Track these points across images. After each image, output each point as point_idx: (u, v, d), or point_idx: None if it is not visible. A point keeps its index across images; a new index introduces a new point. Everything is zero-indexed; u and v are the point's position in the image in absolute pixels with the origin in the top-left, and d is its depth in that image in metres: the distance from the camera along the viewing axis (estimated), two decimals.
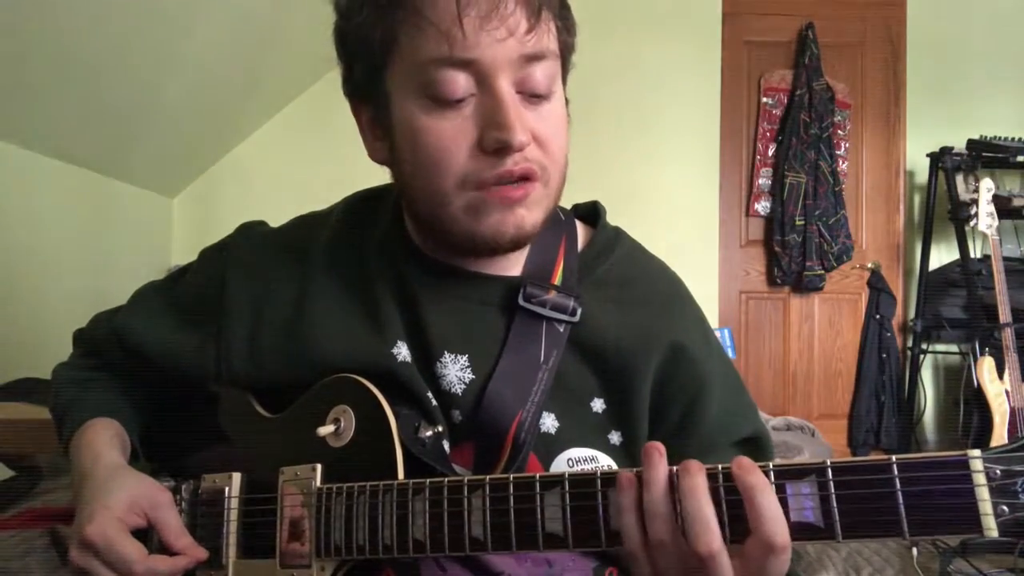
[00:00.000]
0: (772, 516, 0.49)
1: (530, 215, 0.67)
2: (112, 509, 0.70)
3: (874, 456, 0.48)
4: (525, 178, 0.65)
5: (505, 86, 0.63)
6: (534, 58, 0.64)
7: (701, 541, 0.50)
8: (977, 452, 0.45)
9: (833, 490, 0.48)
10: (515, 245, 0.69)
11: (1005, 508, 0.44)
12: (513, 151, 0.63)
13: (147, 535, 0.73)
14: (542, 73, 0.65)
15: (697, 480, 0.51)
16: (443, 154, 0.64)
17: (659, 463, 0.53)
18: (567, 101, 0.72)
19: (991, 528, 0.44)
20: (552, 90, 0.66)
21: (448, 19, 0.61)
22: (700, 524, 0.50)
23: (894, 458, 0.47)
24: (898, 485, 0.47)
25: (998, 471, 0.44)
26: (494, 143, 0.63)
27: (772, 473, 0.50)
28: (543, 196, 0.68)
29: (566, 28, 0.68)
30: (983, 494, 0.44)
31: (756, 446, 0.76)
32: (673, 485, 0.52)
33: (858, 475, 0.48)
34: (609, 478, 0.55)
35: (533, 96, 0.65)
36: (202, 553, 0.73)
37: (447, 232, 0.69)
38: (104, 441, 0.79)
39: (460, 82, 0.63)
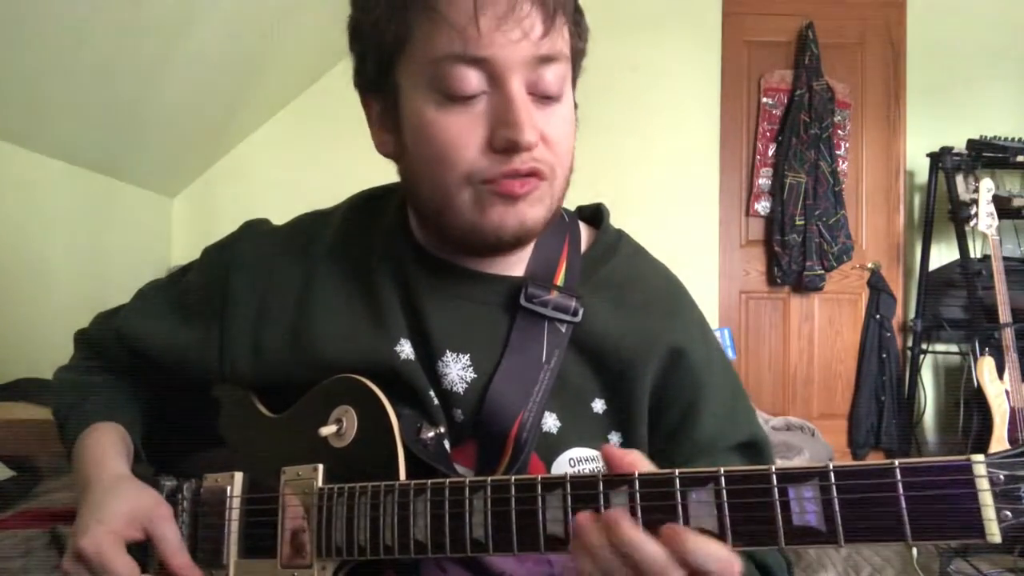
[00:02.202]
0: (709, 555, 0.49)
1: (532, 211, 0.67)
2: (108, 523, 0.70)
3: (876, 459, 0.48)
4: (531, 175, 0.66)
5: (517, 86, 0.64)
6: (546, 60, 0.64)
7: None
8: (981, 457, 0.45)
9: (835, 494, 0.48)
10: (517, 241, 0.69)
11: (1008, 514, 0.44)
12: (522, 150, 0.64)
13: (147, 547, 0.72)
14: (553, 75, 0.65)
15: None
16: (451, 149, 0.65)
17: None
18: (576, 105, 0.72)
19: (994, 533, 0.43)
20: (562, 92, 0.67)
21: (464, 17, 0.62)
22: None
23: (897, 462, 0.47)
24: (901, 490, 0.46)
25: (1001, 476, 0.44)
26: (504, 142, 0.63)
27: (775, 476, 0.50)
28: (547, 194, 0.68)
29: (578, 33, 0.69)
30: (986, 499, 0.44)
31: (754, 451, 0.76)
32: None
33: (861, 479, 0.48)
34: (611, 480, 0.55)
35: (544, 97, 0.66)
36: (197, 574, 0.72)
37: (451, 227, 0.69)
38: (107, 446, 0.79)
39: (472, 79, 0.63)
